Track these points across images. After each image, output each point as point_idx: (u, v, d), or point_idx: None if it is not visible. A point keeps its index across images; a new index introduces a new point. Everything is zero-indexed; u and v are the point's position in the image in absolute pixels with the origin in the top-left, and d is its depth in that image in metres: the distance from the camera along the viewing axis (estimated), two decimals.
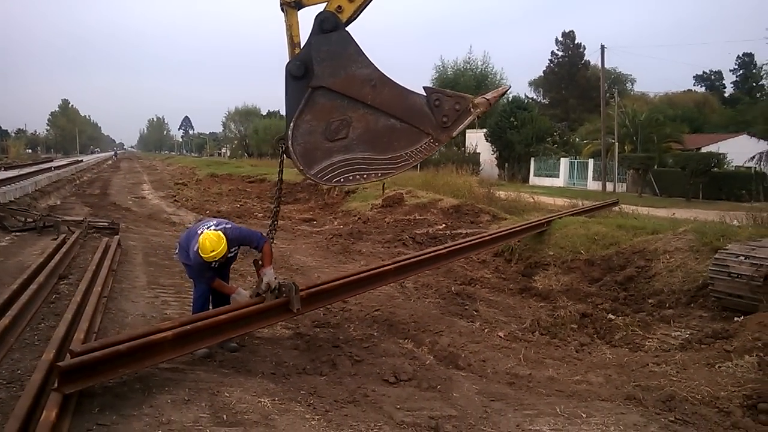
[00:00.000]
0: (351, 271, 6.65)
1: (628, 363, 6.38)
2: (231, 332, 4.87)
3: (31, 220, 11.93)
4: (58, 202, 19.99)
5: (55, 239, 10.24)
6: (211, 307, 5.56)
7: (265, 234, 5.70)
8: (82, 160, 56.73)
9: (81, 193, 24.66)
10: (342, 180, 5.27)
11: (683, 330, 7.32)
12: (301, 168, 5.22)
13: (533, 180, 42.04)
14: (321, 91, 5.19)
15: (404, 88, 5.28)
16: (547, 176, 41.79)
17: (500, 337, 7.21)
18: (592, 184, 37.90)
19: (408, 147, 5.30)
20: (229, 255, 5.53)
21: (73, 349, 3.92)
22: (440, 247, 8.44)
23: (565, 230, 11.95)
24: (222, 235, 5.30)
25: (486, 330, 7.39)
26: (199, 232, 5.42)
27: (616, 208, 17.78)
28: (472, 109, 5.24)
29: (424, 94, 5.26)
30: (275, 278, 5.53)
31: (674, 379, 5.61)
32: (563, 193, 29.18)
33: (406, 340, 6.70)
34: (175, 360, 4.83)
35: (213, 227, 5.46)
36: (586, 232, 11.54)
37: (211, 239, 5.23)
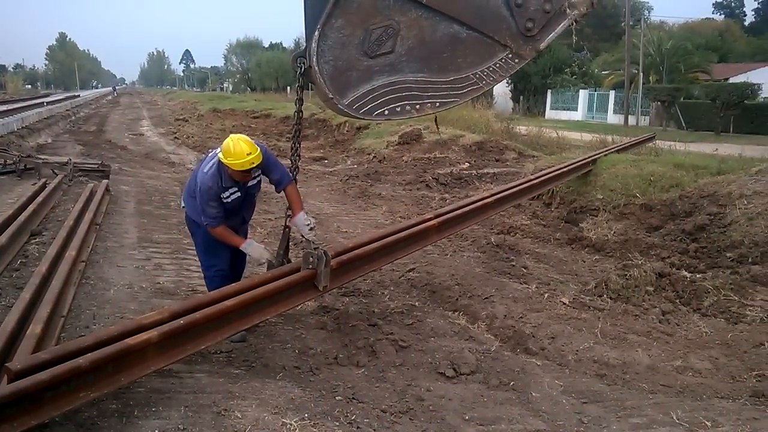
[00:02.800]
0: (386, 229, 5.31)
1: (735, 341, 5.13)
2: (240, 322, 3.55)
3: (11, 162, 10.54)
4: (49, 141, 18.56)
5: (35, 184, 8.89)
6: None
7: None
8: (79, 95, 54.66)
9: (75, 130, 23.18)
10: (387, 112, 3.83)
11: None
12: (330, 96, 3.76)
13: (549, 114, 40.04)
14: None
15: None
16: (564, 110, 39.76)
17: (564, 304, 5.93)
18: (613, 118, 35.96)
19: (477, 65, 3.85)
20: (251, 181, 4.22)
21: (10, 366, 2.64)
22: (485, 194, 7.06)
23: (614, 170, 10.48)
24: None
25: (545, 294, 6.10)
26: (215, 152, 4.14)
27: (651, 144, 16.31)
28: (568, 10, 3.76)
29: None
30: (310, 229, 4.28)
31: None
32: (583, 128, 27.56)
33: (455, 313, 5.44)
34: None
35: (213, 152, 4.25)
36: (639, 172, 10.06)
37: (244, 139, 3.95)
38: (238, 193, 4.17)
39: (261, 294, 3.67)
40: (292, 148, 4.21)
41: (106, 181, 9.51)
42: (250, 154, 3.90)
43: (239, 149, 3.89)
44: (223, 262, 4.35)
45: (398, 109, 3.83)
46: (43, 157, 11.72)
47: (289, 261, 4.38)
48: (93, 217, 6.72)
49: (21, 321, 3.69)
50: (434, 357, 4.41)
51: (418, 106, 3.86)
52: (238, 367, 3.87)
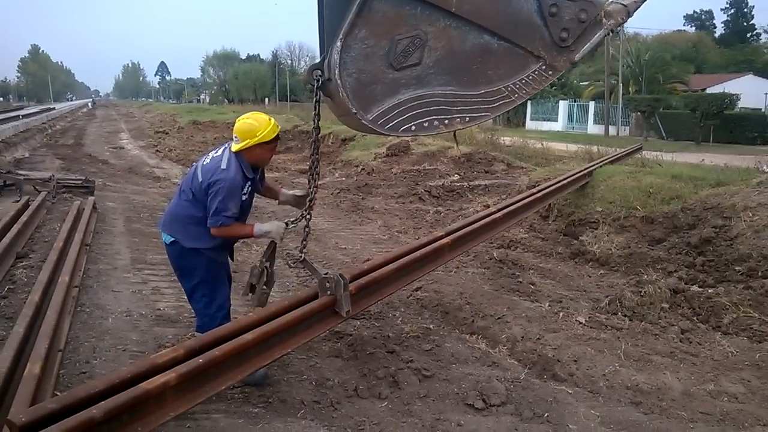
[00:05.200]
0: (400, 249, 5.04)
1: (765, 361, 4.94)
2: (261, 358, 3.25)
3: None
4: (27, 155, 18.01)
5: (17, 202, 8.48)
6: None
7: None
8: (54, 108, 53.60)
9: (53, 144, 22.59)
10: (414, 128, 3.58)
11: None
12: (354, 111, 3.50)
13: (529, 124, 40.27)
14: None
15: None
16: (544, 120, 40.02)
17: (580, 323, 5.72)
18: (593, 128, 36.26)
19: (509, 77, 3.62)
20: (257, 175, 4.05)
21: (14, 420, 2.31)
22: (492, 209, 6.83)
23: (611, 181, 10.35)
24: None
25: (560, 313, 5.88)
26: (214, 156, 3.93)
27: (638, 155, 16.37)
28: (604, 20, 3.57)
29: None
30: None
31: None
32: (564, 138, 27.79)
33: (473, 336, 5.19)
34: None
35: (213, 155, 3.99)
36: (637, 184, 9.93)
37: (255, 113, 4.00)
38: (250, 188, 3.93)
39: (282, 325, 3.37)
40: (310, 167, 3.89)
41: (93, 198, 9.12)
42: (272, 119, 3.87)
43: (262, 119, 3.85)
44: (227, 296, 3.98)
45: (426, 124, 3.59)
46: (23, 172, 11.25)
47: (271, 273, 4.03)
48: (83, 237, 6.35)
49: (16, 359, 3.34)
50: (460, 387, 4.15)
51: (446, 121, 3.62)
52: (256, 405, 3.57)
